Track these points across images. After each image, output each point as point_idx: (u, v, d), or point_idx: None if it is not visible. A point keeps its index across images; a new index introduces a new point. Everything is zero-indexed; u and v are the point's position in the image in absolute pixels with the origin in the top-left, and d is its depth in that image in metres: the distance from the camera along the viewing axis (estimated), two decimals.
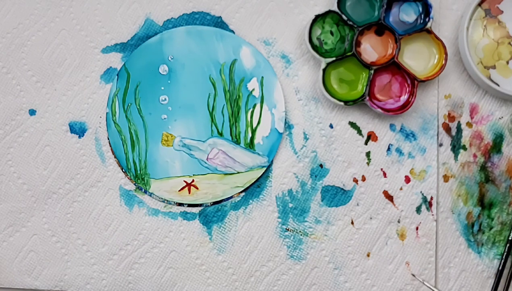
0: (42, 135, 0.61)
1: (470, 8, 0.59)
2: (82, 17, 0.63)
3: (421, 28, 0.59)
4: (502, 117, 0.60)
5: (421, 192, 0.59)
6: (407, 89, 0.59)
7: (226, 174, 0.60)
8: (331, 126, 0.60)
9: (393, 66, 0.60)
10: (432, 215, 0.59)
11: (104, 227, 0.60)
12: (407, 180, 0.60)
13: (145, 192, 0.60)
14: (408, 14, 0.60)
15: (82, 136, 0.61)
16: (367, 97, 0.59)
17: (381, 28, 0.60)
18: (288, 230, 0.59)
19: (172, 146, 0.60)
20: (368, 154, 0.60)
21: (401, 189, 0.60)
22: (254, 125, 0.60)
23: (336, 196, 0.60)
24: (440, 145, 0.60)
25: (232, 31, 0.62)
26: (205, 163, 0.60)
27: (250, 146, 0.60)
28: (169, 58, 0.61)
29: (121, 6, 0.63)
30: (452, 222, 0.59)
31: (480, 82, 0.59)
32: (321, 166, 0.60)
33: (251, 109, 0.61)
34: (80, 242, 0.60)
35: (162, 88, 0.61)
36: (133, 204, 0.60)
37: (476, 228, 0.59)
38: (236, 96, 0.61)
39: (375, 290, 0.58)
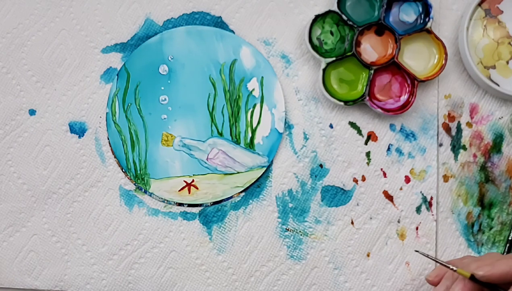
0: (42, 135, 0.61)
1: (470, 8, 0.59)
2: (82, 17, 0.62)
3: (421, 28, 0.59)
4: (502, 117, 0.60)
5: (421, 192, 0.59)
6: (407, 89, 0.59)
7: (226, 174, 0.60)
8: (331, 126, 0.60)
9: (393, 66, 0.60)
10: (432, 215, 0.59)
11: (104, 227, 0.60)
12: (407, 180, 0.60)
13: (145, 192, 0.60)
14: (408, 14, 0.60)
15: (82, 136, 0.61)
16: (367, 97, 0.59)
17: (381, 28, 0.60)
18: (288, 230, 0.59)
19: (172, 145, 0.60)
20: (368, 154, 0.60)
21: (401, 189, 0.60)
22: (254, 125, 0.60)
23: (336, 196, 0.60)
24: (440, 145, 0.60)
25: (232, 31, 0.62)
26: (205, 163, 0.60)
27: (250, 145, 0.60)
28: (169, 58, 0.61)
29: (121, 6, 0.63)
30: (452, 222, 0.59)
31: (480, 82, 0.59)
32: (321, 166, 0.60)
33: (251, 109, 0.61)
34: (80, 242, 0.60)
35: (162, 88, 0.61)
36: (133, 204, 0.60)
37: (476, 228, 0.59)
38: (236, 96, 0.61)
39: (375, 290, 0.59)
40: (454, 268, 0.51)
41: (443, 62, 0.59)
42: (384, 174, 0.60)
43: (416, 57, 0.60)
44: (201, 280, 0.59)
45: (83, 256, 0.60)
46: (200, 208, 0.60)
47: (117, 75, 0.61)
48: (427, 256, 0.54)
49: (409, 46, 0.60)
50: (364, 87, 0.59)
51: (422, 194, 0.59)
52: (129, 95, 0.61)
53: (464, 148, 0.60)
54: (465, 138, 0.60)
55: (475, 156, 0.60)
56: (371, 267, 0.59)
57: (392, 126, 0.60)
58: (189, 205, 0.60)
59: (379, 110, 0.58)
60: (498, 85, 0.59)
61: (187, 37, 0.61)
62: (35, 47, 0.62)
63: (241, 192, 0.60)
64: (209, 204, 0.60)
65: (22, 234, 0.60)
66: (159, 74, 0.61)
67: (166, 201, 0.60)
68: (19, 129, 0.61)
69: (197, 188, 0.60)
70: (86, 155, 0.61)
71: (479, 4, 0.60)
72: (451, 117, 0.60)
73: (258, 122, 0.60)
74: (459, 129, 0.60)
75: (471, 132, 0.60)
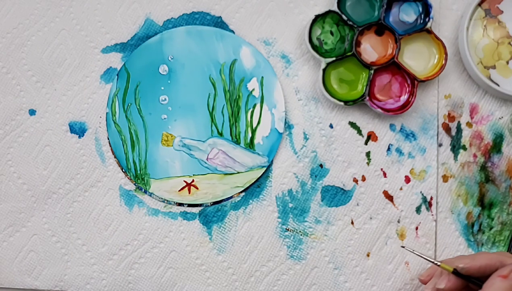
0: (42, 135, 0.61)
1: (470, 8, 0.59)
2: (82, 17, 0.63)
3: (421, 28, 0.59)
4: (502, 117, 0.60)
5: (421, 192, 0.59)
6: (407, 89, 0.59)
7: (226, 174, 0.60)
8: (331, 126, 0.60)
9: (393, 66, 0.60)
10: (432, 215, 0.59)
11: (104, 227, 0.60)
12: (407, 180, 0.60)
13: (145, 192, 0.60)
14: (408, 14, 0.60)
15: (82, 136, 0.61)
16: (367, 97, 0.59)
17: (381, 28, 0.60)
18: (288, 230, 0.59)
19: (172, 146, 0.60)
20: (368, 154, 0.60)
21: (401, 189, 0.60)
22: (254, 125, 0.60)
23: (336, 196, 0.60)
24: (440, 145, 0.60)
25: (232, 31, 0.62)
26: (205, 163, 0.60)
27: (250, 146, 0.60)
28: (169, 58, 0.61)
29: (121, 6, 0.63)
30: (451, 222, 0.59)
31: (480, 82, 0.59)
32: (321, 166, 0.60)
33: (251, 109, 0.61)
34: (80, 242, 0.60)
35: (162, 88, 0.61)
36: (133, 204, 0.60)
37: (476, 228, 0.59)
38: (236, 96, 0.61)
39: (375, 290, 0.59)
40: (438, 263, 0.52)
41: (443, 62, 0.59)
42: (384, 174, 0.60)
43: (416, 57, 0.60)
44: (201, 280, 0.59)
45: (83, 256, 0.60)
46: (200, 208, 0.60)
47: (117, 75, 0.61)
48: (412, 251, 0.54)
49: (409, 46, 0.60)
50: (364, 87, 0.59)
51: (422, 194, 0.59)
52: (129, 95, 0.61)
53: (464, 148, 0.60)
54: (465, 138, 0.60)
55: (475, 156, 0.60)
56: (371, 267, 0.59)
57: (392, 126, 0.60)
58: (189, 205, 0.60)
59: (379, 110, 0.58)
60: (498, 85, 0.59)
61: (187, 37, 0.61)
62: (35, 47, 0.62)
63: (241, 192, 0.60)
64: (209, 204, 0.60)
65: (22, 234, 0.60)
66: (159, 74, 0.61)
67: (166, 201, 0.60)
68: (19, 129, 0.61)
69: (197, 188, 0.60)
70: (86, 155, 0.61)
71: (479, 4, 0.60)
72: (451, 117, 0.60)
73: (258, 122, 0.60)
74: (459, 129, 0.60)
75: (471, 132, 0.60)
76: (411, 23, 0.60)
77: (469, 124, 0.60)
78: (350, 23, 0.59)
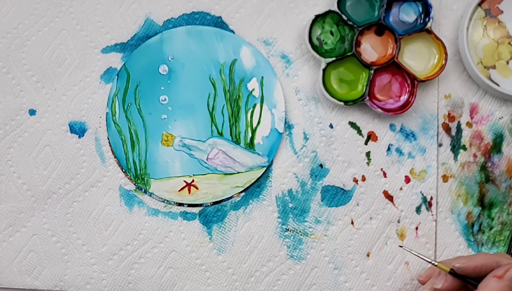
0: (42, 135, 0.61)
1: (470, 8, 0.59)
2: (82, 17, 0.63)
3: (421, 28, 0.59)
4: (502, 117, 0.60)
5: (421, 192, 0.59)
6: (407, 89, 0.60)
7: (226, 174, 0.60)
8: (331, 126, 0.60)
9: (393, 66, 0.60)
10: (432, 215, 0.59)
11: (104, 227, 0.60)
12: (407, 180, 0.60)
13: (145, 192, 0.60)
14: (408, 14, 0.60)
15: (82, 136, 0.61)
16: (367, 97, 0.59)
17: (381, 28, 0.60)
18: (288, 230, 0.59)
19: (172, 146, 0.60)
20: (368, 154, 0.60)
21: (401, 189, 0.60)
22: (254, 125, 0.60)
23: (336, 196, 0.60)
24: (440, 145, 0.60)
25: (232, 31, 0.62)
26: (205, 163, 0.60)
27: (250, 145, 0.60)
28: (169, 58, 0.61)
29: (121, 6, 0.63)
30: (451, 222, 0.59)
31: (480, 82, 0.59)
32: (321, 166, 0.60)
33: (251, 109, 0.61)
34: (80, 242, 0.60)
35: (162, 88, 0.61)
36: (133, 204, 0.60)
37: (476, 228, 0.59)
38: (236, 96, 0.61)
39: (375, 290, 0.59)
40: (435, 263, 0.52)
41: (443, 62, 0.59)
42: (384, 174, 0.60)
43: (416, 57, 0.60)
44: (201, 280, 0.59)
45: (83, 256, 0.60)
46: (200, 208, 0.60)
47: (117, 75, 0.61)
48: (410, 251, 0.54)
49: (409, 46, 0.60)
50: (364, 87, 0.59)
51: (422, 194, 0.59)
52: (129, 95, 0.61)
53: (464, 148, 0.60)
54: (465, 138, 0.60)
55: (475, 156, 0.60)
56: (371, 267, 0.59)
57: (392, 126, 0.60)
58: (189, 205, 0.60)
59: (379, 110, 0.58)
60: (498, 85, 0.59)
61: (187, 37, 0.61)
62: (35, 47, 0.62)
63: (241, 192, 0.60)
64: (209, 204, 0.60)
65: (22, 234, 0.60)
66: (159, 74, 0.61)
67: (166, 201, 0.60)
68: (19, 129, 0.61)
69: (197, 188, 0.60)
70: (86, 155, 0.61)
71: (479, 4, 0.60)
72: (451, 117, 0.60)
73: (258, 122, 0.60)
74: (459, 129, 0.60)
75: (471, 132, 0.60)
76: (411, 23, 0.60)
77: (469, 124, 0.60)
78: (350, 23, 0.59)
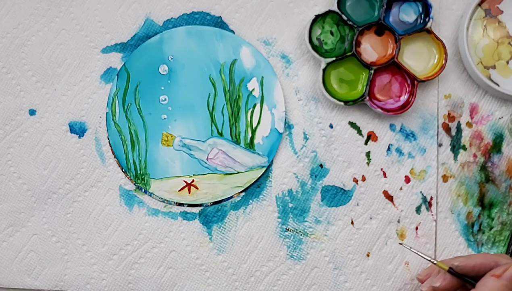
0: (42, 135, 0.61)
1: (470, 8, 0.59)
2: (82, 17, 0.63)
3: (421, 28, 0.59)
4: (502, 117, 0.60)
5: (421, 192, 0.59)
6: (407, 89, 0.60)
7: (226, 174, 0.60)
8: (331, 126, 0.60)
9: (393, 66, 0.60)
10: (432, 215, 0.59)
11: (104, 227, 0.60)
12: (407, 180, 0.60)
13: (145, 192, 0.60)
14: (408, 14, 0.60)
15: (82, 136, 0.61)
16: (367, 97, 0.59)
17: (381, 28, 0.60)
18: (288, 230, 0.59)
19: (172, 146, 0.60)
20: (368, 154, 0.60)
21: (401, 189, 0.60)
22: (254, 125, 0.60)
23: (336, 196, 0.60)
24: (440, 145, 0.60)
25: (232, 31, 0.62)
26: (205, 163, 0.60)
27: (250, 146, 0.60)
28: (169, 58, 0.61)
29: (121, 6, 0.63)
30: (451, 222, 0.59)
31: (480, 82, 0.59)
32: (321, 166, 0.60)
33: (251, 109, 0.61)
34: (80, 242, 0.60)
35: (162, 88, 0.61)
36: (133, 204, 0.60)
37: (476, 228, 0.59)
38: (236, 96, 0.61)
39: (375, 289, 0.59)
40: (434, 261, 0.53)
41: (443, 62, 0.59)
42: (384, 174, 0.60)
43: (416, 57, 0.60)
44: (201, 280, 0.59)
45: (83, 256, 0.60)
46: (200, 208, 0.60)
47: (117, 75, 0.61)
48: (410, 248, 0.55)
49: (409, 46, 0.60)
50: (364, 87, 0.59)
51: (422, 194, 0.59)
52: (129, 95, 0.61)
53: (464, 148, 0.60)
54: (465, 138, 0.60)
55: (475, 156, 0.60)
56: (371, 267, 0.59)
57: (392, 126, 0.60)
58: (189, 205, 0.60)
59: (379, 110, 0.58)
60: (498, 85, 0.59)
61: (187, 37, 0.61)
62: (35, 47, 0.62)
63: (241, 192, 0.60)
64: (209, 204, 0.60)
65: (22, 234, 0.60)
66: (159, 74, 0.61)
67: (166, 201, 0.60)
68: (19, 129, 0.61)
69: (197, 188, 0.60)
70: (86, 155, 0.61)
71: (479, 4, 0.60)
72: (451, 117, 0.60)
73: (258, 122, 0.60)
74: (459, 129, 0.60)
75: (471, 132, 0.60)
76: (411, 23, 0.60)
77: (469, 124, 0.60)
78: (350, 23, 0.59)
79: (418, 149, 0.60)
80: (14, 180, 0.61)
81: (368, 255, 0.59)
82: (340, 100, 0.59)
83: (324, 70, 0.59)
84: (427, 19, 0.59)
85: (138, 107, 0.61)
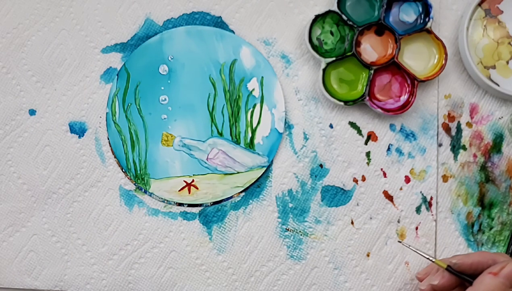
0: (42, 135, 0.61)
1: (470, 8, 0.59)
2: (82, 17, 0.63)
3: (421, 28, 0.59)
4: (502, 117, 0.60)
5: (421, 192, 0.59)
6: (407, 89, 0.60)
7: (226, 174, 0.60)
8: (331, 126, 0.60)
9: (393, 66, 0.60)
10: (432, 215, 0.59)
11: (104, 227, 0.60)
12: (407, 180, 0.60)
13: (145, 192, 0.60)
14: (408, 14, 0.60)
15: (82, 136, 0.61)
16: (367, 97, 0.59)
17: (381, 28, 0.60)
18: (288, 230, 0.59)
19: (172, 146, 0.60)
20: (368, 154, 0.60)
21: (401, 189, 0.60)
22: (254, 125, 0.60)
23: (336, 196, 0.60)
24: (440, 145, 0.60)
25: (232, 31, 0.62)
26: (205, 163, 0.60)
27: (250, 146, 0.60)
28: (169, 58, 0.61)
29: (121, 6, 0.63)
30: (451, 222, 0.59)
31: (480, 82, 0.59)
32: (321, 166, 0.60)
33: (251, 109, 0.61)
34: (80, 242, 0.60)
35: (162, 88, 0.61)
36: (133, 204, 0.60)
37: (476, 228, 0.59)
38: (236, 96, 0.61)
39: (375, 289, 0.59)
40: (433, 259, 0.53)
41: (443, 62, 0.59)
42: (384, 174, 0.60)
43: (416, 57, 0.60)
44: (201, 280, 0.59)
45: (83, 256, 0.60)
46: (200, 208, 0.60)
47: (117, 75, 0.61)
48: (409, 246, 0.55)
49: (409, 46, 0.60)
50: (364, 87, 0.59)
51: (422, 194, 0.59)
52: (129, 95, 0.61)
53: (464, 148, 0.60)
54: (465, 138, 0.60)
55: (475, 156, 0.60)
56: (371, 267, 0.59)
57: (392, 126, 0.60)
58: (189, 205, 0.60)
59: (379, 110, 0.58)
60: (498, 85, 0.59)
61: (187, 37, 0.61)
62: (35, 47, 0.62)
63: (241, 192, 0.60)
64: (209, 204, 0.60)
65: (22, 234, 0.60)
66: (159, 74, 0.61)
67: (166, 201, 0.60)
68: (19, 129, 0.61)
69: (197, 188, 0.60)
70: (86, 155, 0.61)
71: (479, 4, 0.60)
72: (451, 117, 0.60)
73: (258, 122, 0.60)
74: (459, 129, 0.60)
75: (471, 132, 0.60)
76: (411, 23, 0.60)
77: (469, 124, 0.60)
78: (350, 23, 0.59)
79: (418, 149, 0.60)
80: (14, 180, 0.61)
81: (368, 255, 0.59)
82: (340, 100, 0.59)
83: (324, 70, 0.59)
84: (427, 19, 0.59)
85: (138, 107, 0.61)
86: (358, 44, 0.60)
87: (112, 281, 0.59)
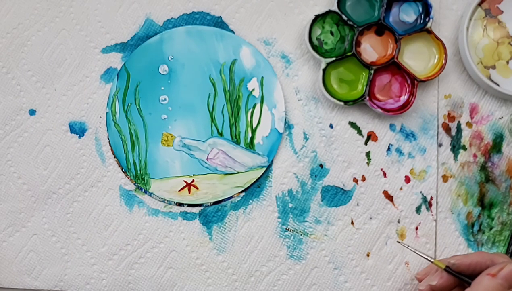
0: (42, 135, 0.61)
1: (470, 8, 0.59)
2: (82, 17, 0.63)
3: (421, 28, 0.59)
4: (502, 117, 0.60)
5: (421, 192, 0.59)
6: (407, 89, 0.60)
7: (226, 174, 0.60)
8: (331, 126, 0.60)
9: (393, 66, 0.60)
10: (432, 215, 0.59)
11: (104, 227, 0.60)
12: (407, 180, 0.60)
13: (145, 192, 0.60)
14: (408, 14, 0.60)
15: (82, 136, 0.61)
16: (367, 97, 0.59)
17: (381, 28, 0.60)
18: (288, 230, 0.59)
19: (172, 146, 0.60)
20: (368, 154, 0.60)
21: (401, 189, 0.60)
22: (254, 125, 0.60)
23: (336, 196, 0.60)
24: (440, 145, 0.60)
25: (232, 31, 0.62)
26: (205, 163, 0.60)
27: (250, 146, 0.60)
28: (169, 58, 0.61)
29: (121, 6, 0.63)
30: (451, 222, 0.59)
31: (480, 82, 0.59)
32: (321, 166, 0.60)
33: (251, 109, 0.61)
34: (80, 242, 0.60)
35: (162, 88, 0.61)
36: (133, 204, 0.60)
37: (476, 228, 0.59)
38: (236, 96, 0.61)
39: (375, 289, 0.59)
40: (431, 259, 0.53)
41: (443, 62, 0.59)
42: (384, 174, 0.60)
43: (416, 57, 0.60)
44: (201, 280, 0.59)
45: (83, 256, 0.60)
46: (200, 208, 0.60)
47: (117, 75, 0.61)
48: (407, 247, 0.55)
49: (409, 46, 0.60)
50: (364, 87, 0.59)
51: (422, 194, 0.59)
52: (129, 95, 0.61)
53: (464, 148, 0.60)
54: (465, 138, 0.60)
55: (475, 156, 0.60)
56: (371, 267, 0.59)
57: (392, 126, 0.60)
58: (189, 205, 0.60)
59: (379, 110, 0.58)
60: (498, 85, 0.59)
61: (187, 37, 0.61)
62: (35, 47, 0.62)
63: (241, 192, 0.60)
64: (209, 204, 0.60)
65: (22, 234, 0.60)
66: (159, 74, 0.61)
67: (166, 201, 0.60)
68: (19, 129, 0.61)
69: (197, 188, 0.60)
70: (86, 155, 0.61)
71: (479, 4, 0.60)
72: (451, 117, 0.60)
73: (258, 122, 0.60)
74: (459, 129, 0.60)
75: (471, 132, 0.60)
76: (411, 23, 0.60)
77: (469, 124, 0.60)
78: (350, 23, 0.59)
79: (418, 148, 0.60)
80: (14, 180, 0.61)
81: (368, 255, 0.59)
82: (340, 100, 0.59)
83: (324, 70, 0.59)
84: (427, 19, 0.59)
85: (138, 107, 0.61)
86: (358, 44, 0.60)
87: (112, 281, 0.59)
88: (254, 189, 0.60)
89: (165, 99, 0.61)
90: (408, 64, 0.60)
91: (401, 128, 0.60)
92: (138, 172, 0.60)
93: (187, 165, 0.60)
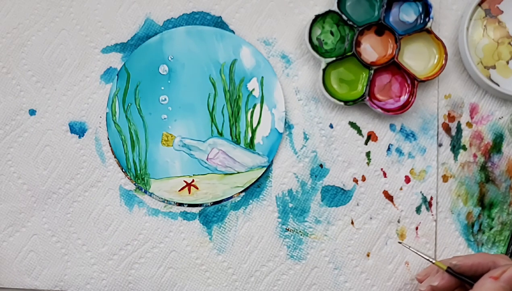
0: (42, 135, 0.61)
1: (470, 8, 0.59)
2: (82, 17, 0.63)
3: (421, 28, 0.59)
4: (502, 117, 0.60)
5: (421, 192, 0.59)
6: (407, 89, 0.60)
7: (226, 174, 0.60)
8: (331, 126, 0.60)
9: (393, 66, 0.60)
10: (432, 215, 0.59)
11: (104, 227, 0.60)
12: (407, 180, 0.60)
13: (145, 192, 0.60)
14: (408, 14, 0.60)
15: (82, 136, 0.61)
16: (367, 97, 0.59)
17: (381, 28, 0.60)
18: (288, 230, 0.59)
19: (172, 146, 0.60)
20: (368, 154, 0.60)
21: (401, 189, 0.60)
22: (254, 125, 0.60)
23: (336, 196, 0.60)
24: (440, 145, 0.60)
25: (232, 31, 0.62)
26: (205, 163, 0.60)
27: (250, 146, 0.60)
28: (169, 58, 0.61)
29: (121, 6, 0.63)
30: (451, 222, 0.59)
31: (480, 82, 0.59)
32: (321, 166, 0.60)
33: (251, 109, 0.61)
34: (80, 242, 0.60)
35: (162, 88, 0.61)
36: (133, 204, 0.60)
37: (476, 228, 0.59)
38: (236, 96, 0.61)
39: (375, 290, 0.59)
40: (433, 260, 0.53)
41: (443, 62, 0.59)
42: (384, 174, 0.60)
43: (416, 57, 0.60)
44: (201, 280, 0.59)
45: (83, 256, 0.60)
46: (200, 208, 0.60)
47: (117, 75, 0.61)
48: (409, 248, 0.55)
49: (409, 46, 0.60)
50: (364, 87, 0.59)
51: (422, 194, 0.59)
52: (129, 95, 0.61)
53: (464, 148, 0.60)
54: (465, 138, 0.60)
55: (475, 156, 0.60)
56: (371, 267, 0.59)
57: (392, 126, 0.60)
58: (189, 205, 0.60)
59: (379, 110, 0.58)
60: (498, 85, 0.59)
61: (187, 37, 0.61)
62: (35, 47, 0.62)
63: (241, 192, 0.60)
64: (209, 204, 0.60)
65: (22, 234, 0.60)
66: (159, 74, 0.61)
67: (166, 201, 0.60)
68: (19, 129, 0.61)
69: (197, 188, 0.60)
70: (86, 155, 0.61)
71: (479, 4, 0.60)
72: (451, 117, 0.60)
73: (258, 122, 0.60)
74: (459, 129, 0.60)
75: (471, 132, 0.60)
76: (411, 23, 0.60)
77: (469, 124, 0.60)
78: (350, 23, 0.59)
79: (418, 148, 0.60)
80: (14, 180, 0.61)
81: (368, 255, 0.59)
82: (340, 100, 0.59)
83: (324, 70, 0.59)
84: (427, 19, 0.59)
85: (138, 107, 0.61)
86: (358, 44, 0.60)
87: (112, 281, 0.59)
88: (254, 189, 0.60)
89: (165, 99, 0.61)
90: (408, 64, 0.60)
91: (401, 128, 0.60)
92: (138, 172, 0.60)
93: (187, 165, 0.60)
